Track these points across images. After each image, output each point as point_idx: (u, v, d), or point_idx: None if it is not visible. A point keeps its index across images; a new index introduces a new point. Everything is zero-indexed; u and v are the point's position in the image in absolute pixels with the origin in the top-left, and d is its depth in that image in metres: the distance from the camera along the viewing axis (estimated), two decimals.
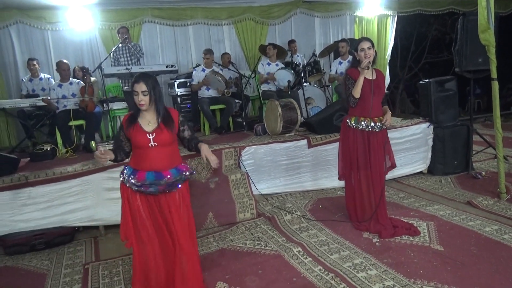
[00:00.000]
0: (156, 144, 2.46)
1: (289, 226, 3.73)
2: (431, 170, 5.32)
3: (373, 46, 3.36)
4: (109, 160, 2.47)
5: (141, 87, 2.40)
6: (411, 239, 3.32)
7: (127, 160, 2.62)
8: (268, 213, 4.06)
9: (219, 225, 3.93)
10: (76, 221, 3.90)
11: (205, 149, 2.58)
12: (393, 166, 3.67)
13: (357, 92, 3.28)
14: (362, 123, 3.39)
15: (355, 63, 3.46)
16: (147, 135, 2.44)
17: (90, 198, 3.91)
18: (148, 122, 2.48)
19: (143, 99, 2.40)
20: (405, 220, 3.67)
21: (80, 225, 3.97)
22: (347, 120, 3.49)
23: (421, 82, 5.47)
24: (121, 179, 2.52)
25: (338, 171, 3.71)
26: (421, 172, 5.32)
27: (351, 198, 3.63)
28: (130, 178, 2.45)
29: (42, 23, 6.27)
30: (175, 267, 2.51)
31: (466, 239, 3.26)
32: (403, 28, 10.67)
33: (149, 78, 2.44)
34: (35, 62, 5.72)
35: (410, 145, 5.15)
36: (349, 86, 3.34)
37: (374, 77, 3.42)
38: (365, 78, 3.31)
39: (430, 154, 5.28)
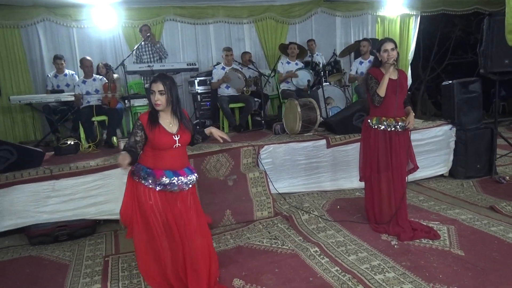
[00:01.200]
0: (180, 145, 2.50)
1: (307, 226, 3.73)
2: (453, 173, 5.22)
3: (396, 47, 3.32)
4: (128, 164, 2.40)
5: (158, 86, 2.41)
6: (430, 242, 3.27)
7: None
8: (286, 212, 4.06)
9: (236, 223, 3.96)
10: (97, 214, 3.99)
11: (215, 130, 2.70)
12: (415, 168, 3.62)
13: (382, 91, 3.25)
14: (384, 123, 3.36)
15: (377, 63, 3.43)
16: (173, 136, 2.47)
17: (111, 192, 4.00)
18: (170, 123, 2.50)
19: (159, 99, 2.41)
20: (425, 223, 3.62)
21: (101, 218, 4.06)
22: (368, 121, 3.46)
23: (445, 83, 5.37)
24: (137, 179, 2.47)
25: (359, 172, 3.67)
26: (442, 175, 5.24)
27: (370, 200, 3.60)
28: (149, 179, 2.44)
29: (68, 20, 6.43)
30: (186, 265, 2.54)
31: (488, 245, 3.19)
32: (426, 28, 10.48)
33: (167, 78, 2.45)
34: (62, 61, 5.86)
35: (432, 147, 5.06)
36: (372, 85, 3.31)
37: (396, 77, 3.39)
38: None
39: (452, 157, 5.18)
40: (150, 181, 2.44)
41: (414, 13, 8.22)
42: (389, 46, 3.28)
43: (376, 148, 3.43)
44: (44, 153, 4.22)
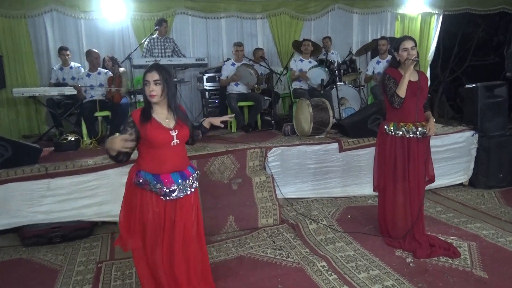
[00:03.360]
0: (178, 141, 2.29)
1: (314, 237, 3.47)
2: (473, 182, 4.91)
3: (416, 45, 3.04)
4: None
5: (153, 76, 2.21)
6: (450, 261, 2.98)
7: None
8: (292, 219, 3.81)
9: (240, 230, 3.72)
10: (93, 215, 3.80)
11: (211, 119, 2.61)
12: (432, 180, 3.33)
13: (402, 92, 2.96)
14: (403, 129, 3.07)
15: (395, 63, 3.15)
16: (170, 131, 2.25)
17: (109, 192, 3.80)
18: (165, 118, 2.28)
19: (154, 89, 2.20)
20: (443, 239, 3.33)
21: (97, 220, 3.87)
22: (385, 127, 3.17)
23: (468, 86, 5.04)
24: (141, 187, 2.27)
25: (374, 181, 3.39)
26: (461, 184, 4.92)
27: (384, 212, 3.32)
28: (156, 186, 2.24)
29: (76, 11, 6.24)
30: (180, 272, 2.36)
31: None
32: (447, 28, 10.02)
33: (162, 68, 2.25)
34: (68, 52, 5.69)
35: (451, 154, 4.75)
36: (391, 86, 3.02)
37: (416, 79, 3.10)
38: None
39: (472, 165, 4.87)
40: (158, 189, 2.24)
41: (436, 12, 7.82)
42: (409, 44, 3.00)
43: (393, 156, 3.15)
44: (41, 149, 4.04)
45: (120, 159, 2.26)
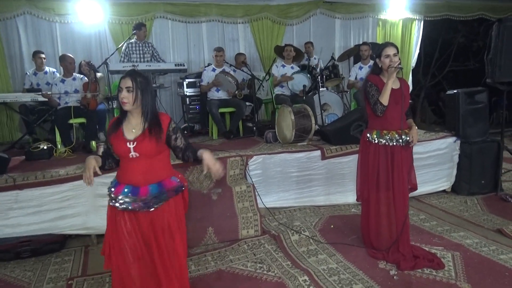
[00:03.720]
0: (138, 155, 2.12)
1: (296, 248, 3.36)
2: (455, 189, 4.88)
3: (398, 52, 2.98)
4: (99, 168, 2.13)
5: (126, 82, 2.08)
6: (434, 273, 2.91)
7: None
8: (274, 230, 3.70)
9: (219, 242, 3.58)
10: (66, 228, 3.61)
11: (207, 157, 2.12)
12: (414, 188, 3.27)
13: (385, 99, 2.89)
14: (386, 137, 3.00)
15: (377, 70, 3.08)
16: (128, 143, 2.11)
17: (82, 204, 3.62)
18: (132, 128, 2.15)
19: (125, 97, 2.07)
20: (427, 249, 3.26)
21: (71, 233, 3.67)
22: (368, 134, 3.09)
23: (449, 92, 5.03)
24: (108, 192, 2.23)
25: (357, 191, 3.31)
26: (444, 191, 4.89)
27: (367, 222, 3.23)
28: (110, 191, 2.18)
29: (50, 14, 6.04)
30: None
31: (498, 277, 2.84)
32: (428, 34, 10.12)
33: (138, 75, 2.12)
34: (43, 55, 5.47)
35: (434, 161, 4.71)
36: (373, 93, 2.95)
37: (398, 86, 3.04)
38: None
39: (455, 172, 4.84)
40: (110, 195, 2.16)
41: (417, 18, 7.89)
42: (391, 51, 2.94)
43: (376, 164, 3.07)
44: (9, 159, 3.83)
45: (107, 167, 2.22)
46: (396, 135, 3.01)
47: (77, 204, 3.62)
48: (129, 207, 2.12)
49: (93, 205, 3.65)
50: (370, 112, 3.08)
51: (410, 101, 3.32)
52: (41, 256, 3.50)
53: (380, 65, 3.01)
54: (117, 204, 2.13)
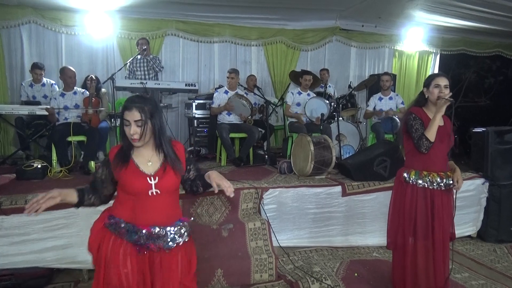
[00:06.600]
0: (159, 192, 1.78)
1: None
2: (481, 235, 4.50)
3: (449, 85, 2.66)
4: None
5: (134, 115, 1.72)
6: None
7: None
8: (290, 275, 3.28)
9: (229, 286, 3.15)
10: (54, 261, 3.18)
11: (215, 175, 1.86)
12: (453, 237, 2.89)
13: (432, 135, 2.54)
14: (426, 178, 2.64)
15: (422, 101, 2.75)
16: (148, 179, 1.76)
17: (74, 234, 3.20)
18: (148, 160, 1.80)
19: (136, 132, 1.73)
20: None
21: (59, 267, 3.24)
22: (404, 174, 2.73)
23: (476, 130, 4.72)
24: (110, 227, 1.83)
25: (387, 237, 2.92)
26: (469, 236, 4.51)
27: (402, 274, 2.82)
28: (133, 237, 1.79)
29: (57, 25, 5.77)
30: None
31: None
32: (438, 67, 10.00)
33: (146, 102, 1.77)
34: (41, 72, 5.12)
35: (460, 203, 4.31)
36: (417, 127, 2.60)
37: (442, 123, 2.70)
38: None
39: (482, 216, 4.47)
40: (135, 240, 1.79)
41: (434, 51, 7.71)
42: (442, 81, 2.62)
43: (413, 209, 2.69)
44: None
45: (87, 203, 1.87)
46: (438, 178, 2.65)
47: (68, 234, 3.22)
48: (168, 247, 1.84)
49: (87, 236, 3.22)
50: (409, 148, 2.73)
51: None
52: None
53: (426, 96, 2.68)
54: (143, 248, 1.80)
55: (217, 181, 1.81)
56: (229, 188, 1.80)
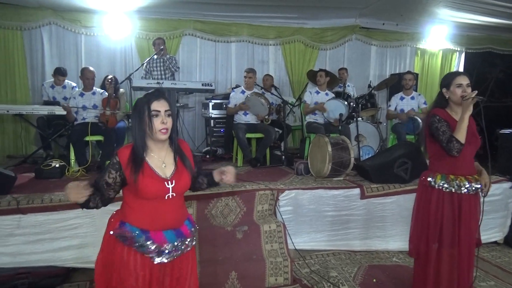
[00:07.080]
0: (174, 195, 1.75)
1: None
2: (509, 241, 4.31)
3: (470, 84, 2.53)
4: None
5: (163, 104, 1.70)
6: None
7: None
8: (306, 279, 3.19)
9: None
10: (70, 260, 3.18)
11: (217, 170, 1.92)
12: (479, 244, 2.74)
13: (462, 136, 2.40)
14: (453, 182, 2.51)
15: (443, 103, 2.61)
16: (165, 183, 1.72)
17: (90, 234, 3.20)
18: (162, 162, 1.74)
19: (168, 121, 1.69)
20: None
21: (74, 266, 3.24)
22: (429, 179, 2.59)
23: (504, 131, 4.52)
24: (122, 239, 1.76)
25: (409, 243, 2.79)
26: (495, 242, 4.31)
27: (422, 283, 2.69)
28: (148, 245, 1.73)
29: (76, 26, 5.84)
30: None
31: None
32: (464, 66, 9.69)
33: (167, 95, 1.78)
34: (64, 79, 5.20)
35: (486, 208, 4.02)
36: (444, 129, 2.46)
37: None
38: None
39: (509, 222, 4.28)
40: (147, 248, 1.73)
41: (458, 49, 7.46)
42: (464, 80, 2.49)
43: (439, 215, 2.55)
44: (15, 177, 3.46)
45: (92, 206, 1.76)
46: (466, 182, 2.51)
47: (84, 234, 3.21)
48: (178, 253, 1.79)
49: (102, 235, 3.23)
50: (434, 152, 2.60)
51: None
52: None
53: (447, 96, 2.55)
54: (162, 259, 1.74)
55: (222, 171, 1.88)
56: (231, 171, 1.88)
